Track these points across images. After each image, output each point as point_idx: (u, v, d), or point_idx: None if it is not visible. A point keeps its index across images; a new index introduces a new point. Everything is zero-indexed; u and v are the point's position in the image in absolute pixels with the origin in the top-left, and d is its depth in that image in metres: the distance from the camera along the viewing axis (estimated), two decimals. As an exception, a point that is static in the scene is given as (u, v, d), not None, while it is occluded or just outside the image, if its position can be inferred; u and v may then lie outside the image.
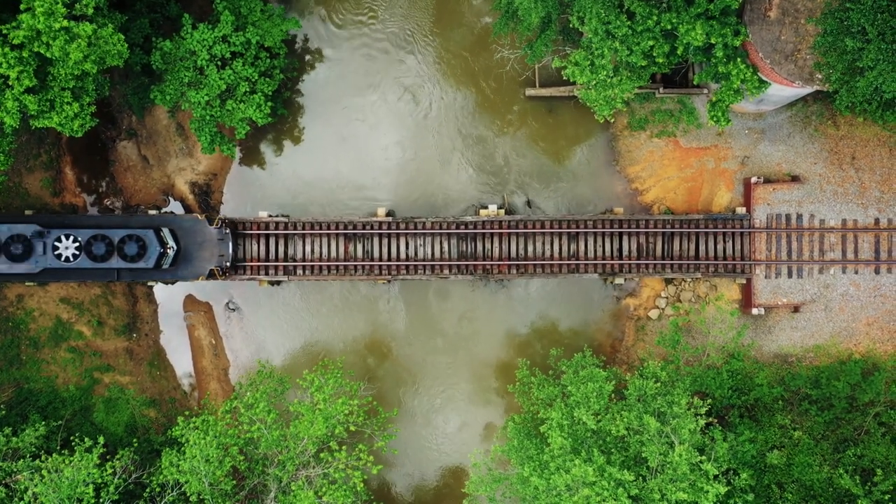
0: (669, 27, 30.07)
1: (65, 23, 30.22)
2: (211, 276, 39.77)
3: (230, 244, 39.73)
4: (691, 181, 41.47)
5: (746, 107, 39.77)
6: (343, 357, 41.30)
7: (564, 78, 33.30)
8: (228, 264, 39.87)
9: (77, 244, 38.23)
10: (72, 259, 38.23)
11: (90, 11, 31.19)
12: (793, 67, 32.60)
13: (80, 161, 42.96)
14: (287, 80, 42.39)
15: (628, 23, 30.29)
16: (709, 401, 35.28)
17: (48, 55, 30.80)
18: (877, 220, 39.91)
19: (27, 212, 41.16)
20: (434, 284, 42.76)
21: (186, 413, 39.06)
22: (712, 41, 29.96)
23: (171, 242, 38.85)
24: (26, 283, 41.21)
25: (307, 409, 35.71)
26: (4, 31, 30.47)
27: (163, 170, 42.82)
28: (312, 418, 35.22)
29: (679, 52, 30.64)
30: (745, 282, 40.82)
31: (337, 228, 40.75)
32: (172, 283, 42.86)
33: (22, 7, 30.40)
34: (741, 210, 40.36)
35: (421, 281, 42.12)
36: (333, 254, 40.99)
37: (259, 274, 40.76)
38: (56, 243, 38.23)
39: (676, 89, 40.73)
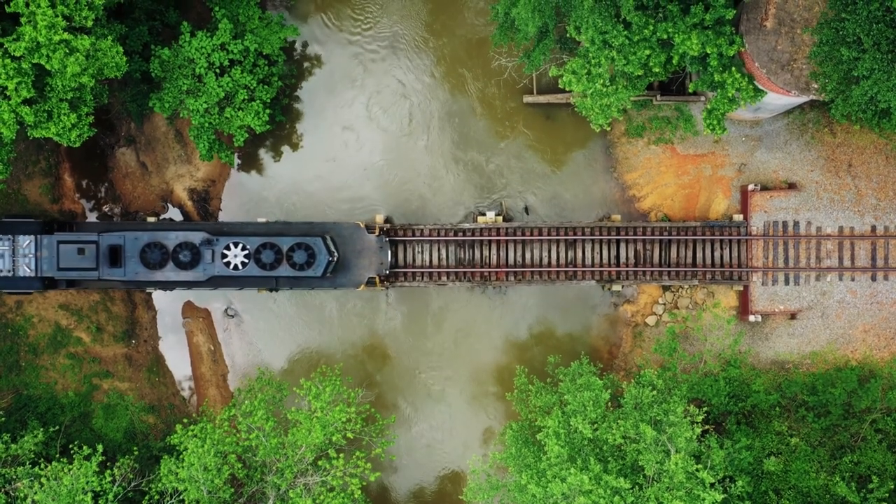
0: (666, 37, 30.16)
1: (64, 35, 30.25)
2: (370, 283, 39.68)
3: (389, 252, 39.64)
4: (688, 188, 41.58)
5: (743, 114, 39.89)
6: (341, 364, 41.41)
7: (561, 86, 33.38)
8: (388, 272, 39.79)
9: (246, 252, 38.29)
10: (240, 267, 38.33)
11: (90, 24, 31.21)
12: (789, 77, 32.71)
13: (79, 168, 43.08)
14: (285, 88, 42.50)
15: (625, 32, 30.38)
16: (705, 408, 35.39)
17: (48, 67, 30.85)
18: (873, 228, 40.02)
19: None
20: (432, 290, 42.83)
21: (185, 420, 39.16)
22: (707, 51, 30.06)
23: (334, 250, 38.86)
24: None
25: (305, 417, 35.82)
26: (4, 43, 30.51)
27: (161, 176, 42.93)
28: (310, 426, 35.33)
29: (675, 61, 30.73)
30: (742, 289, 40.94)
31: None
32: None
33: (22, 21, 30.40)
34: (738, 217, 40.48)
35: (419, 287, 42.17)
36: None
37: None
38: (225, 251, 38.30)
39: (673, 97, 40.85)
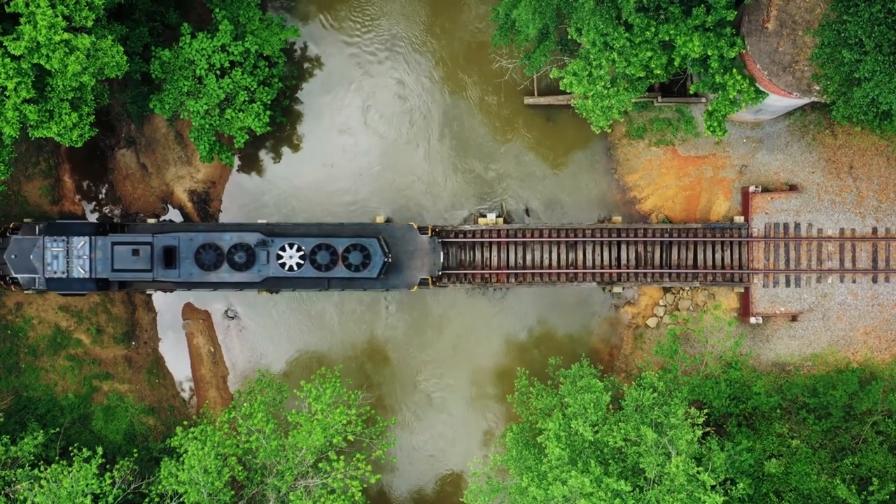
0: (667, 38, 30.12)
1: (65, 35, 30.22)
2: (422, 284, 39.53)
3: (441, 253, 39.51)
4: (689, 190, 41.55)
5: (744, 116, 39.85)
6: (341, 366, 41.34)
7: (562, 88, 33.34)
8: (440, 273, 39.66)
9: (301, 253, 38.12)
10: (296, 268, 38.16)
11: (90, 24, 31.19)
12: (790, 79, 32.67)
13: (79, 169, 43.03)
14: (286, 89, 42.44)
15: (626, 34, 30.33)
16: (706, 410, 35.34)
17: (48, 67, 30.82)
18: (874, 230, 39.99)
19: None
20: (433, 291, 42.79)
21: (185, 422, 39.10)
22: (708, 53, 30.01)
23: (388, 251, 38.72)
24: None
25: (305, 419, 35.77)
26: (5, 43, 30.48)
27: (161, 178, 42.89)
28: (310, 428, 35.29)
29: (676, 63, 30.68)
30: (743, 291, 40.89)
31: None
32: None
33: (22, 20, 30.38)
34: (739, 219, 40.43)
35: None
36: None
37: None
38: (280, 252, 38.13)
39: (675, 98, 40.81)
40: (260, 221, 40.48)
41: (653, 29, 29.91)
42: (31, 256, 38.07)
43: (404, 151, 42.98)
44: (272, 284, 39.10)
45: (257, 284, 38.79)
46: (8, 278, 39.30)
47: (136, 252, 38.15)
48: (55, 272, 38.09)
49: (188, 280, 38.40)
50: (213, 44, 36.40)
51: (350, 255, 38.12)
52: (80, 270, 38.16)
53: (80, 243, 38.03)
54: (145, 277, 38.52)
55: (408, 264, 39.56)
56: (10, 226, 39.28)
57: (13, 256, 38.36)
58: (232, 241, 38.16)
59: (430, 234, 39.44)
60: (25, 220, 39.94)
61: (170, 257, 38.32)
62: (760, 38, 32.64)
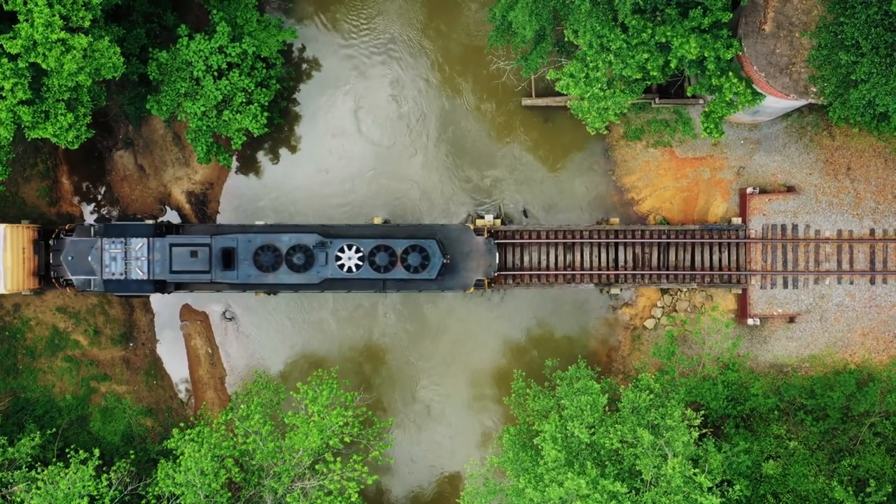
0: (664, 40, 30.11)
1: (62, 34, 30.28)
2: (477, 286, 39.39)
3: (496, 254, 39.37)
4: (687, 191, 41.54)
5: (742, 117, 39.84)
6: (337, 367, 41.32)
7: (558, 89, 33.33)
8: (495, 274, 39.52)
9: (360, 255, 38.04)
10: (354, 270, 38.07)
11: (87, 24, 31.24)
12: (787, 80, 32.66)
13: (77, 170, 43.05)
14: (283, 90, 42.43)
15: (623, 36, 30.32)
16: (702, 412, 35.33)
17: (44, 66, 30.87)
18: (872, 231, 39.97)
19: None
20: (425, 294, 42.80)
21: (182, 424, 39.09)
22: (705, 55, 30.00)
23: (446, 253, 38.60)
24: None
25: (302, 421, 35.77)
26: (1, 41, 30.54)
27: (159, 179, 42.89)
28: (307, 430, 35.29)
29: (672, 65, 30.67)
30: (740, 292, 40.88)
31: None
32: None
33: (20, 18, 30.46)
34: (737, 220, 40.42)
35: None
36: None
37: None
38: (339, 254, 38.05)
39: (672, 100, 40.80)
40: (316, 223, 40.47)
41: (649, 31, 29.89)
42: (89, 258, 38.04)
43: (402, 153, 42.94)
44: (329, 286, 39.05)
45: (315, 286, 38.76)
46: (62, 280, 39.32)
47: (194, 254, 38.13)
48: (113, 274, 38.04)
49: (246, 282, 38.34)
50: (210, 45, 36.39)
51: (409, 256, 37.99)
52: (138, 272, 38.13)
53: (139, 245, 38.02)
54: (203, 279, 38.51)
55: (463, 265, 39.40)
56: (66, 227, 39.33)
57: (70, 258, 38.37)
58: (290, 242, 38.07)
59: (485, 236, 39.30)
60: (80, 222, 39.74)
61: (228, 259, 38.28)
62: (757, 40, 32.64)
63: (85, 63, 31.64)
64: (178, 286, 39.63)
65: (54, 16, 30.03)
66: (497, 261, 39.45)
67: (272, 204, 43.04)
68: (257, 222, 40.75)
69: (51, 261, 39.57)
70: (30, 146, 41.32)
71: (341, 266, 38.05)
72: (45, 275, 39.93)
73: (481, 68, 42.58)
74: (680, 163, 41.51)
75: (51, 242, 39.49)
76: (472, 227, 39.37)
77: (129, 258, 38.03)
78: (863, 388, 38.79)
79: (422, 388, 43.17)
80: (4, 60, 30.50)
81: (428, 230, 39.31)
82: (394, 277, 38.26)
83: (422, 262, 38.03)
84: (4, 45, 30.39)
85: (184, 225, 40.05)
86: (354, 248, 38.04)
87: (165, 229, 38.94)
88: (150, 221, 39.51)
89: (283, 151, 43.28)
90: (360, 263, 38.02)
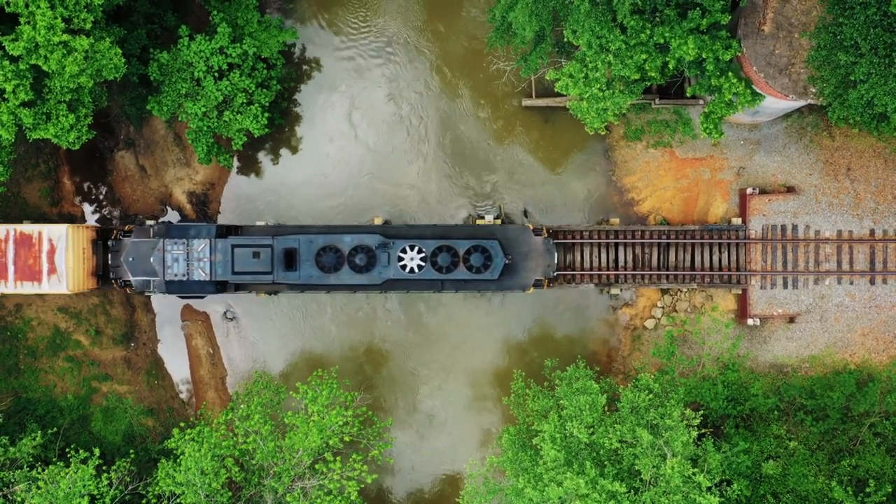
0: (662, 41, 30.17)
1: (63, 37, 30.37)
2: (536, 286, 39.33)
3: (555, 254, 39.29)
4: (687, 191, 41.59)
5: (742, 118, 39.88)
6: (337, 367, 41.40)
7: (557, 90, 33.42)
8: (553, 274, 39.48)
9: (422, 255, 37.99)
10: (416, 270, 38.01)
11: (88, 26, 31.33)
12: (787, 81, 32.71)
13: (78, 171, 43.17)
14: (284, 91, 42.53)
15: (622, 37, 30.38)
16: (702, 412, 35.39)
17: (45, 68, 30.97)
18: (872, 231, 40.00)
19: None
20: (427, 295, 42.85)
21: (182, 424, 39.20)
22: (703, 55, 30.06)
23: (508, 253, 38.53)
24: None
25: (302, 421, 35.85)
26: (3, 43, 30.64)
27: (160, 179, 43.01)
28: (307, 430, 35.37)
29: (671, 66, 30.74)
30: (740, 292, 40.92)
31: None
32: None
33: (21, 20, 30.54)
34: (737, 221, 40.46)
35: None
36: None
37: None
38: (401, 254, 38.01)
39: (672, 100, 40.86)
40: (259, 223, 40.55)
41: (648, 31, 29.95)
42: (151, 259, 38.08)
43: (402, 153, 43.03)
44: (389, 287, 39.08)
45: (376, 287, 38.80)
46: (121, 280, 39.48)
47: (256, 254, 38.13)
48: (175, 275, 38.07)
49: (307, 282, 38.33)
50: (211, 46, 36.50)
51: (471, 256, 37.93)
52: (200, 273, 38.15)
53: (201, 246, 38.03)
54: (265, 280, 38.46)
55: (522, 265, 39.27)
56: (127, 228, 39.49)
57: (130, 259, 38.42)
58: (352, 243, 38.05)
59: (544, 235, 39.25)
60: (141, 223, 39.66)
61: (289, 260, 38.28)
62: (757, 41, 32.69)
63: (86, 65, 31.75)
64: (237, 287, 39.75)
65: (56, 18, 30.10)
66: (556, 260, 39.32)
67: (275, 202, 43.09)
68: (258, 223, 40.86)
69: (109, 261, 39.72)
70: (31, 147, 41.46)
71: (403, 266, 38.01)
72: (103, 275, 40.16)
73: (481, 70, 42.62)
74: (680, 163, 41.56)
75: (109, 243, 39.62)
76: (530, 226, 39.28)
77: (191, 259, 38.06)
78: (862, 388, 38.81)
79: (422, 385, 43.23)
80: (6, 62, 30.59)
81: (486, 230, 39.18)
82: (455, 278, 38.22)
83: (484, 263, 37.96)
84: (6, 47, 30.48)
85: (243, 226, 40.12)
86: (416, 248, 37.96)
87: (225, 230, 38.99)
88: (213, 223, 39.39)
89: (284, 152, 43.37)
90: (423, 264, 37.96)
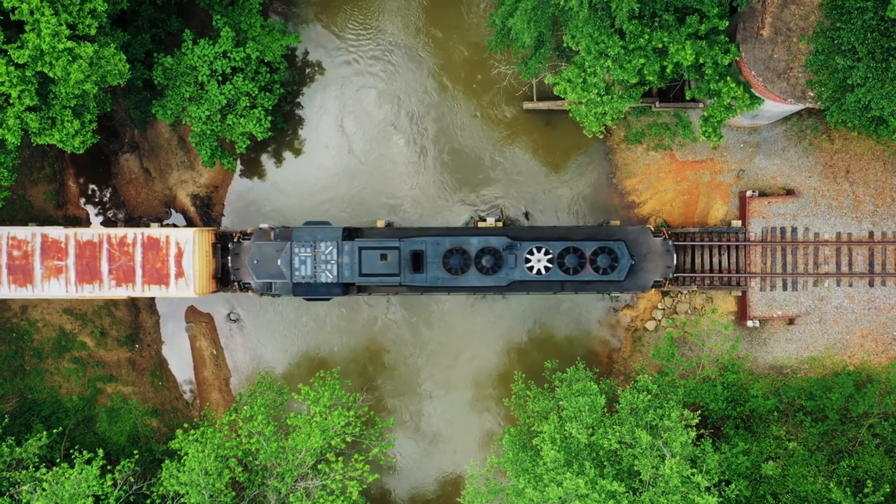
0: (661, 46, 30.44)
1: (68, 44, 30.63)
2: (655, 286, 39.43)
3: (674, 255, 39.27)
4: (687, 194, 41.82)
5: (741, 121, 40.11)
6: (339, 367, 41.69)
7: (556, 94, 33.69)
8: (672, 275, 39.49)
9: (549, 257, 37.93)
10: (543, 272, 37.96)
11: (93, 32, 31.62)
12: (785, 85, 32.95)
13: (83, 174, 43.53)
14: (287, 94, 42.84)
15: (620, 42, 30.64)
16: (699, 412, 35.59)
17: (51, 75, 31.25)
18: (871, 234, 40.20)
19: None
20: (426, 297, 43.13)
21: (185, 425, 39.54)
22: (702, 60, 30.32)
23: (633, 254, 38.51)
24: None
25: (304, 422, 36.14)
26: (8, 51, 30.94)
27: (165, 182, 43.35)
28: (309, 431, 35.66)
29: (669, 70, 30.99)
30: (740, 294, 41.14)
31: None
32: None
33: (27, 28, 30.83)
34: (737, 223, 40.68)
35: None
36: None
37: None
38: (528, 256, 37.97)
39: (672, 103, 41.08)
40: (263, 226, 40.87)
41: (646, 36, 30.21)
42: (279, 262, 38.29)
43: (401, 156, 43.31)
44: (514, 288, 39.05)
45: (502, 288, 38.79)
46: (242, 283, 39.90)
47: (384, 257, 38.22)
48: (303, 277, 38.22)
49: (434, 284, 38.37)
50: (214, 50, 36.83)
51: (598, 258, 37.86)
52: (327, 275, 38.24)
53: (328, 248, 38.12)
54: (392, 282, 38.47)
55: (641, 267, 39.18)
56: (248, 231, 39.93)
57: (255, 262, 38.70)
58: (479, 245, 38.03)
59: (664, 237, 39.29)
60: (261, 226, 39.93)
61: (417, 262, 38.35)
62: (755, 45, 32.93)
63: (91, 71, 32.03)
64: (360, 289, 39.86)
65: (61, 25, 30.33)
66: (674, 261, 39.34)
67: (278, 204, 43.39)
68: (261, 226, 41.14)
69: (229, 264, 40.12)
70: (37, 150, 41.81)
71: (530, 268, 38.03)
72: (221, 277, 40.62)
73: (480, 71, 42.87)
74: (680, 166, 41.81)
75: (230, 246, 40.03)
76: (651, 228, 39.32)
77: (318, 262, 38.18)
78: (861, 389, 39.00)
79: (421, 387, 43.49)
80: (11, 68, 30.81)
81: (605, 232, 39.10)
82: (582, 279, 38.17)
83: (610, 264, 37.91)
84: (12, 55, 30.75)
85: (367, 229, 40.29)
86: (543, 250, 37.90)
87: (350, 233, 39.19)
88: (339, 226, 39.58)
89: (287, 155, 43.68)
90: (550, 266, 37.92)
